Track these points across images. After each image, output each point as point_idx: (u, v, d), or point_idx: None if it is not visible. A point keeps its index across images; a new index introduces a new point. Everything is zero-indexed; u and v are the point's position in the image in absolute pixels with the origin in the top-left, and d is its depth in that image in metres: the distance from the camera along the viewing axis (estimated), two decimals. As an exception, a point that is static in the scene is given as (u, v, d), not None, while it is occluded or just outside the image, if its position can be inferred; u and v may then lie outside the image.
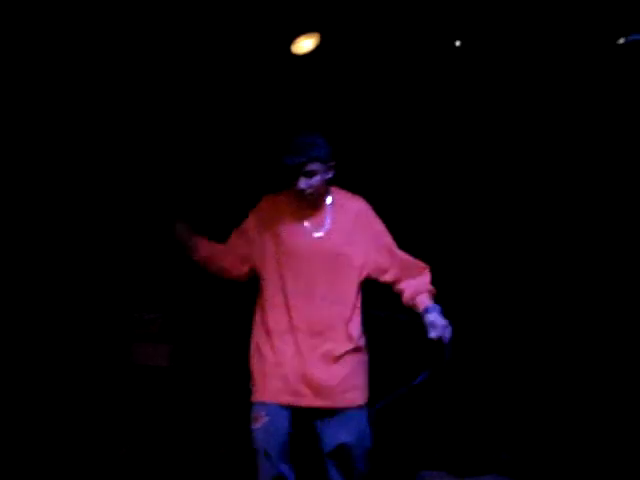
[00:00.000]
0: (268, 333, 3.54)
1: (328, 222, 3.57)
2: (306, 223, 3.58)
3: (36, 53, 4.38)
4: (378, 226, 3.64)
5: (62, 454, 4.37)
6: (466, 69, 4.62)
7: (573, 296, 4.62)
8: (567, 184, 4.66)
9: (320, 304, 3.49)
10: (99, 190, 4.76)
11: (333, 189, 3.63)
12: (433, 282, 3.56)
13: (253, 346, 3.58)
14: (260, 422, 3.45)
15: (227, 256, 3.64)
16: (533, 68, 4.57)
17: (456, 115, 4.82)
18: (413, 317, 3.53)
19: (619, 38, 4.37)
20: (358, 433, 3.50)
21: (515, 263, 4.78)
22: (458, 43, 4.39)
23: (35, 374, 4.51)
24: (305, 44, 4.48)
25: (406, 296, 3.57)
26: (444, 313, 3.43)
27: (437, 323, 3.40)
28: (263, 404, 3.48)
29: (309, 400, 3.48)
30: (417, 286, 3.55)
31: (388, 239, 3.62)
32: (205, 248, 3.64)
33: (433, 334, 3.39)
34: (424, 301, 3.52)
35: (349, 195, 3.68)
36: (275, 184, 3.66)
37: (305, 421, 3.53)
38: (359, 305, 3.59)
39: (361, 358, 3.57)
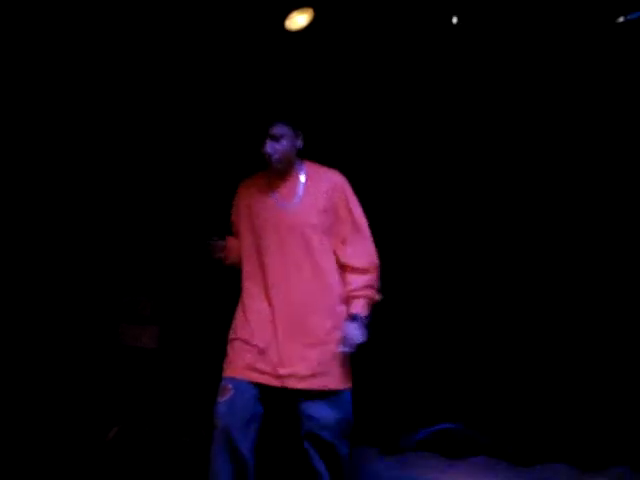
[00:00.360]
0: (244, 309, 3.51)
1: (299, 194, 3.52)
2: (276, 195, 3.54)
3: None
4: (351, 203, 3.57)
5: (51, 435, 4.36)
6: (463, 48, 4.51)
7: (571, 292, 4.55)
8: (566, 179, 4.59)
9: (296, 276, 3.46)
10: (92, 178, 4.77)
11: (307, 162, 3.60)
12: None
13: (233, 321, 3.57)
14: (225, 396, 3.39)
15: (235, 249, 3.68)
16: (532, 48, 4.49)
17: (452, 96, 4.72)
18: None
19: (618, 17, 4.29)
20: (337, 414, 3.45)
21: (515, 261, 4.70)
22: (455, 20, 4.28)
23: (23, 355, 4.48)
24: (299, 20, 4.40)
25: (346, 290, 3.52)
26: (370, 323, 3.48)
27: (348, 339, 3.42)
28: (232, 379, 3.42)
29: (289, 382, 3.42)
30: (360, 287, 3.50)
31: (356, 217, 3.56)
32: (234, 251, 3.68)
33: (341, 348, 3.42)
34: (355, 307, 3.49)
35: (325, 168, 3.62)
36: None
37: (283, 402, 3.49)
38: (337, 277, 3.54)
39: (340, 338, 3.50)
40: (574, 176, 4.54)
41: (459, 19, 4.38)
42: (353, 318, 3.46)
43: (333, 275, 3.52)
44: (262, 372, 3.42)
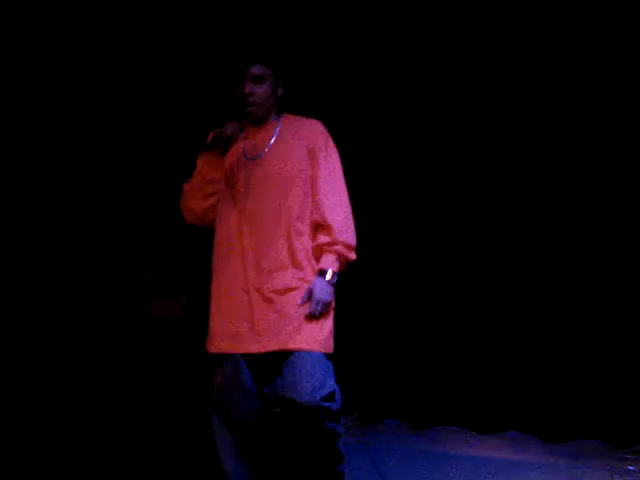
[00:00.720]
0: (215, 270, 3.29)
1: (270, 144, 3.28)
2: (246, 147, 3.31)
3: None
4: (329, 152, 3.31)
5: (78, 406, 4.35)
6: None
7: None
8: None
9: (265, 226, 3.20)
10: (119, 155, 4.80)
11: (286, 114, 3.37)
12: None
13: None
14: (216, 379, 3.22)
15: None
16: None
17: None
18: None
19: None
20: (308, 380, 3.06)
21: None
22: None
23: (51, 327, 4.47)
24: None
25: (316, 244, 3.25)
26: (339, 282, 3.21)
27: (312, 296, 3.15)
28: (215, 357, 3.23)
29: (255, 344, 3.15)
30: (331, 242, 3.22)
31: (333, 169, 3.29)
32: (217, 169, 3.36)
33: (307, 308, 3.14)
34: (325, 261, 3.22)
35: (305, 119, 3.38)
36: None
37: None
38: (308, 229, 3.26)
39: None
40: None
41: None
42: (320, 273, 3.21)
43: (304, 231, 3.25)
44: (232, 339, 3.22)
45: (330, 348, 3.20)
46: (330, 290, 3.19)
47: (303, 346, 3.12)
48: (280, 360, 3.13)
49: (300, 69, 4.22)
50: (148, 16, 4.69)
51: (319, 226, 3.26)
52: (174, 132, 4.78)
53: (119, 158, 4.80)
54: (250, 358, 3.17)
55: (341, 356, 4.54)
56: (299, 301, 3.15)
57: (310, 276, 3.20)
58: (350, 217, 3.29)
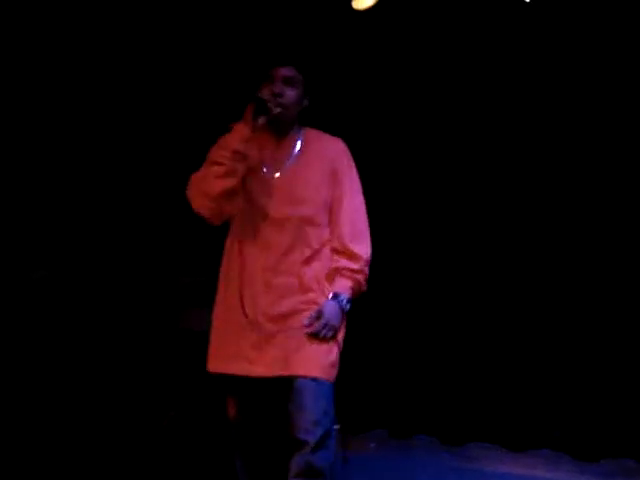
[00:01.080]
0: (222, 283, 3.14)
1: (290, 161, 3.06)
2: (262, 159, 3.07)
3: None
4: (351, 175, 3.13)
5: (111, 417, 4.33)
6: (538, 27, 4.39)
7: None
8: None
9: (277, 249, 3.00)
10: (149, 161, 4.75)
11: (307, 129, 3.16)
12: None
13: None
14: (231, 413, 3.11)
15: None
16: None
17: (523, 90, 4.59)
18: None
19: None
20: (308, 415, 2.92)
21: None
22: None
23: (85, 339, 4.47)
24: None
25: (332, 267, 3.07)
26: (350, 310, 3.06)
27: (321, 316, 2.99)
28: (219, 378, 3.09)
29: (260, 366, 2.98)
30: (349, 267, 3.05)
31: (356, 193, 3.12)
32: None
33: (312, 327, 2.99)
34: (339, 285, 3.05)
35: (326, 136, 3.18)
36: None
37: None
38: (326, 253, 3.08)
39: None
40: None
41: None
42: (334, 296, 3.04)
43: (320, 246, 3.07)
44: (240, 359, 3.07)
45: (333, 377, 3.03)
46: (341, 316, 3.04)
47: (306, 372, 2.96)
48: (282, 384, 2.98)
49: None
50: (157, 11, 4.63)
51: (338, 252, 3.09)
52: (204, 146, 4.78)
53: (150, 170, 4.78)
54: (255, 381, 3.01)
55: (372, 371, 4.56)
56: (306, 321, 2.99)
57: (320, 298, 3.04)
58: (370, 249, 3.13)
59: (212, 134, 3.09)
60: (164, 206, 4.67)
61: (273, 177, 3.06)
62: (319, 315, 3.00)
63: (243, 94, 3.08)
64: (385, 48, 4.60)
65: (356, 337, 3.31)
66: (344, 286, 3.05)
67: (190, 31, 4.63)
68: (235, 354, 3.00)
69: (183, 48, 4.66)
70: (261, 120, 2.94)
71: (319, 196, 3.06)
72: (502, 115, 4.57)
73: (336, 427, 3.14)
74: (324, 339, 2.99)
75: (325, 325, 2.99)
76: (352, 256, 3.06)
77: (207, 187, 2.96)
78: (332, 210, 3.09)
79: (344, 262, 3.06)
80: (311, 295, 3.03)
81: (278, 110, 2.97)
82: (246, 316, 3.00)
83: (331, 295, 3.05)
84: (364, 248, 3.09)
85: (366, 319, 3.27)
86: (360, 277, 3.07)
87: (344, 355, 3.09)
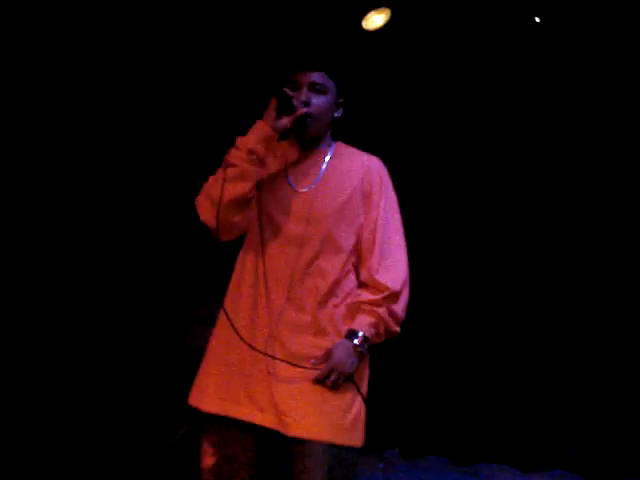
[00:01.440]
0: (224, 311, 2.64)
1: (319, 175, 2.67)
2: (291, 175, 2.69)
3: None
4: (386, 197, 2.70)
5: (119, 435, 4.31)
6: (546, 51, 4.41)
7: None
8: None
9: (290, 281, 2.58)
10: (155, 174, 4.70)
11: (340, 143, 2.79)
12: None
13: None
14: (205, 461, 2.65)
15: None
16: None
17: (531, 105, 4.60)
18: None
19: None
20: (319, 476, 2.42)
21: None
22: (538, 19, 4.17)
23: (91, 356, 4.46)
24: (376, 20, 4.33)
25: (356, 300, 2.62)
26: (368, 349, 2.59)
27: (329, 359, 2.52)
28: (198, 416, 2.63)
29: (256, 412, 2.53)
30: (373, 301, 2.58)
31: (391, 219, 2.70)
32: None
33: (321, 370, 2.52)
34: (354, 322, 2.58)
35: (360, 153, 2.78)
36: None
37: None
38: (347, 288, 2.65)
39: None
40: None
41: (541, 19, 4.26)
42: (349, 334, 2.56)
43: (344, 280, 2.65)
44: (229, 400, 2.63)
45: (357, 439, 2.54)
46: (354, 359, 2.53)
47: (313, 436, 2.45)
48: (284, 443, 2.50)
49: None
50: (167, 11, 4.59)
51: (364, 285, 2.65)
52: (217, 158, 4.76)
53: (160, 185, 4.77)
54: (249, 426, 2.54)
55: (382, 391, 4.53)
56: (310, 363, 2.52)
57: (334, 342, 2.57)
58: (407, 285, 2.65)
59: (228, 144, 2.74)
60: (173, 221, 4.67)
61: (295, 192, 2.66)
62: (326, 357, 2.52)
63: (264, 99, 2.70)
64: (394, 69, 4.63)
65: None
66: (362, 322, 2.56)
67: (200, 33, 4.52)
68: (229, 390, 2.56)
69: (195, 51, 4.56)
70: (284, 120, 2.57)
71: (343, 217, 2.64)
72: (508, 133, 4.63)
73: None
74: (336, 390, 2.50)
75: (332, 370, 2.49)
76: (376, 287, 2.60)
77: (216, 192, 2.56)
78: (362, 237, 2.67)
79: (365, 295, 2.61)
80: (325, 340, 2.57)
81: (304, 110, 2.59)
82: (252, 347, 2.53)
83: (345, 333, 2.57)
84: (393, 277, 2.61)
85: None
86: (382, 311, 2.57)
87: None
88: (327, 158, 2.71)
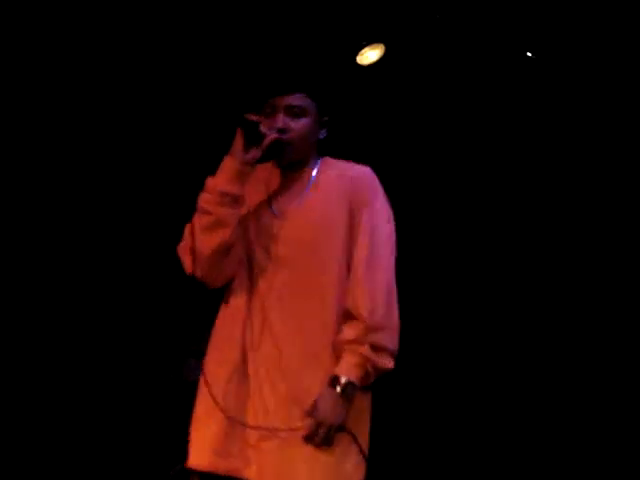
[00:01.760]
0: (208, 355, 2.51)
1: (303, 195, 2.46)
2: (274, 203, 2.49)
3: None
4: (375, 213, 2.44)
5: (118, 468, 4.32)
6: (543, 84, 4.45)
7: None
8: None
9: (286, 309, 2.38)
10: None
11: (326, 158, 2.57)
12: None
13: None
14: None
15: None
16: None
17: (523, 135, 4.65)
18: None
19: None
20: None
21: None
22: (530, 54, 4.23)
23: (89, 391, 4.46)
24: (370, 55, 4.38)
25: (338, 339, 2.34)
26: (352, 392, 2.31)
27: (315, 413, 2.28)
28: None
29: (248, 465, 2.35)
30: (354, 338, 2.30)
31: (377, 238, 2.41)
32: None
33: (306, 422, 2.29)
34: (339, 367, 2.30)
35: (346, 165, 2.55)
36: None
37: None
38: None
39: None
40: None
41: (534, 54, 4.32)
42: (332, 381, 2.29)
43: (338, 307, 2.39)
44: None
45: None
46: (341, 407, 2.27)
47: None
48: None
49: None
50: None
51: (349, 315, 2.35)
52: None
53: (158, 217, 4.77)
54: None
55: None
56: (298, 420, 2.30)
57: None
58: (392, 309, 2.37)
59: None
60: (168, 257, 4.67)
61: (277, 217, 2.46)
62: (312, 410, 2.29)
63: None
64: (388, 104, 4.67)
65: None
66: (344, 366, 2.29)
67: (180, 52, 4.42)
68: (221, 444, 2.40)
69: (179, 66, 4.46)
70: (253, 152, 2.36)
71: (329, 240, 2.41)
72: (503, 173, 4.68)
73: None
74: (328, 445, 2.27)
75: (319, 425, 2.26)
76: (357, 316, 2.32)
77: (195, 245, 2.35)
78: (349, 260, 2.41)
79: (347, 331, 2.33)
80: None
81: (274, 136, 2.37)
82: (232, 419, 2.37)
83: (328, 380, 2.30)
84: (374, 305, 2.32)
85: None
86: (365, 350, 2.28)
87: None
88: (312, 178, 2.49)
